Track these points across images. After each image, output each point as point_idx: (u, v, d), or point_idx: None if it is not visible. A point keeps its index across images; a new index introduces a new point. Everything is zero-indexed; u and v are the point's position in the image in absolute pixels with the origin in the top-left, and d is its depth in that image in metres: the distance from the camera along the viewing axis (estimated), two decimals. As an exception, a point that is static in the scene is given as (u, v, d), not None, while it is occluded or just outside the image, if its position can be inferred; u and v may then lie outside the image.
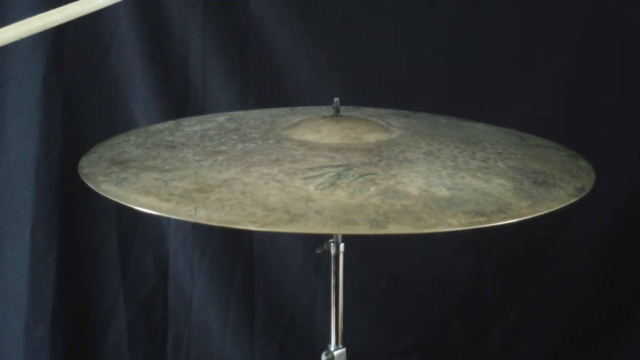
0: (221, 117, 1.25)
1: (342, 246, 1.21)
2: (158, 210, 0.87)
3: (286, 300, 1.93)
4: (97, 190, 0.95)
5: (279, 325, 1.93)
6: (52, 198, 1.78)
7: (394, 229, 0.82)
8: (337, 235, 1.20)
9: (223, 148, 1.05)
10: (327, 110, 1.20)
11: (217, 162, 0.98)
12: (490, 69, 1.84)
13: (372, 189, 0.89)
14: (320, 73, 1.83)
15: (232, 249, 1.89)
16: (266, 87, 1.84)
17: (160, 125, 1.23)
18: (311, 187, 0.89)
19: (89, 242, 1.86)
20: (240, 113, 1.33)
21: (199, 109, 1.82)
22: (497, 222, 0.86)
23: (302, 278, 1.91)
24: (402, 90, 1.83)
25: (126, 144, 1.11)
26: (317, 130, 1.09)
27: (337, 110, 1.14)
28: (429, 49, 1.84)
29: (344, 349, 1.23)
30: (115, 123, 1.80)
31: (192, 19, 1.80)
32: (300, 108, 1.33)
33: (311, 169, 0.94)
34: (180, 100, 1.83)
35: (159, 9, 1.79)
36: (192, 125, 1.20)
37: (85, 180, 0.99)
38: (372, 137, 1.08)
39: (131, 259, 1.88)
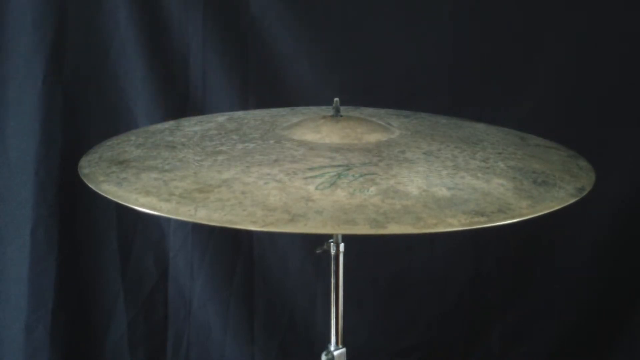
0: (221, 117, 1.25)
1: (342, 246, 1.21)
2: (158, 210, 0.87)
3: (286, 301, 1.93)
4: (97, 190, 0.95)
5: (279, 325, 1.93)
6: (52, 198, 1.78)
7: (394, 229, 0.82)
8: (337, 235, 1.20)
9: (223, 148, 1.05)
10: (327, 110, 1.20)
11: (217, 162, 0.98)
12: (490, 69, 1.84)
13: (372, 189, 0.89)
14: (320, 73, 1.83)
15: (232, 249, 1.89)
16: (266, 87, 1.84)
17: (160, 125, 1.23)
18: (311, 187, 0.89)
19: (89, 242, 1.86)
20: (240, 113, 1.33)
21: (199, 109, 1.82)
22: (497, 222, 0.86)
23: (302, 278, 1.91)
24: (402, 90, 1.83)
25: (126, 144, 1.11)
26: (317, 130, 1.09)
27: (337, 110, 1.14)
28: (429, 49, 1.84)
29: (344, 349, 1.23)
30: (116, 123, 1.80)
31: (192, 19, 1.80)
32: (300, 108, 1.33)
33: (311, 169, 0.94)
34: (180, 100, 1.83)
35: (159, 9, 1.79)
36: (192, 125, 1.20)
37: (85, 180, 0.99)
38: (372, 137, 1.08)
39: (131, 259, 1.88)
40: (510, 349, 1.97)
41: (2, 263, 1.81)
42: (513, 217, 0.87)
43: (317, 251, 1.22)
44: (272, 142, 1.07)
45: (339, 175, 0.92)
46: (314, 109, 1.32)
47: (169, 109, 1.80)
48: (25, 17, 1.72)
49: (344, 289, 1.23)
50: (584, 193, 0.98)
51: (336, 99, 1.15)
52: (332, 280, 1.22)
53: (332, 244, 1.21)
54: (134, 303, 1.89)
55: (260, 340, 1.92)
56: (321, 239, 1.22)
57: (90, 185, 0.97)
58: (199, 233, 1.86)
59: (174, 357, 1.92)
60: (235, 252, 1.89)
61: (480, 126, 1.24)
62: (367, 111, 1.32)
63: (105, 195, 0.93)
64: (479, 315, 1.96)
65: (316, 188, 0.89)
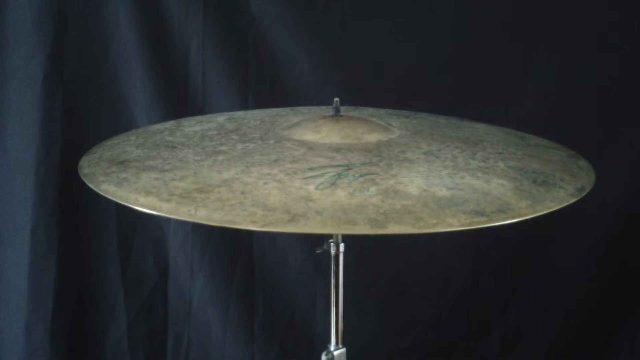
0: (221, 117, 1.25)
1: (342, 246, 1.21)
2: (158, 210, 0.87)
3: (286, 300, 1.93)
4: (97, 190, 0.95)
5: (279, 325, 1.93)
6: (52, 198, 1.78)
7: (394, 229, 0.82)
8: (337, 235, 1.20)
9: (223, 148, 1.05)
10: (327, 110, 1.20)
11: (217, 162, 0.98)
12: (490, 69, 1.84)
13: (372, 189, 0.89)
14: (320, 73, 1.83)
15: (232, 249, 1.89)
16: (266, 87, 1.84)
17: (160, 125, 1.23)
18: (311, 187, 0.89)
19: (89, 242, 1.86)
20: (240, 113, 1.33)
21: (199, 109, 1.82)
22: (497, 222, 0.86)
23: (302, 278, 1.91)
24: (402, 90, 1.83)
25: (126, 144, 1.11)
26: (317, 130, 1.09)
27: (337, 110, 1.14)
28: (429, 49, 1.84)
29: (344, 349, 1.23)
30: (115, 123, 1.80)
31: (192, 19, 1.80)
32: (300, 108, 1.33)
33: (311, 169, 0.94)
34: (180, 100, 1.83)
35: (159, 9, 1.79)
36: (192, 125, 1.20)
37: (85, 180, 0.99)
38: (372, 137, 1.08)
39: (131, 259, 1.88)
40: (510, 349, 1.97)
41: (2, 263, 1.81)
42: (513, 217, 0.87)
43: (317, 251, 1.22)
44: (272, 142, 1.07)
45: (339, 175, 0.92)
46: (314, 109, 1.32)
47: (169, 109, 1.80)
48: (25, 17, 1.72)
49: (344, 289, 1.23)
50: (584, 193, 0.98)
51: (336, 99, 1.15)
52: (332, 280, 1.22)
53: (332, 244, 1.21)
54: (134, 303, 1.89)
55: (260, 340, 1.92)
56: (321, 239, 1.23)
57: (90, 185, 0.97)
58: (199, 233, 1.86)
59: (174, 357, 1.92)
60: (235, 252, 1.89)
61: (480, 126, 1.24)
62: (367, 111, 1.32)
63: (105, 195, 0.93)
64: (479, 315, 1.96)
65: (316, 188, 0.89)
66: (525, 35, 1.83)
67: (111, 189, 0.94)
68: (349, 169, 0.94)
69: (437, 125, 1.22)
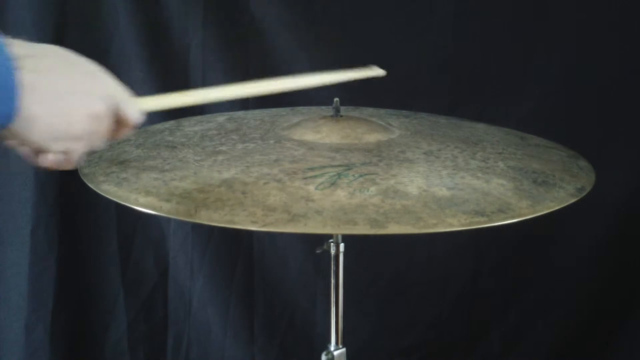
0: (221, 117, 1.25)
1: (342, 246, 1.21)
2: (158, 210, 0.87)
3: (286, 301, 1.93)
4: (97, 190, 0.95)
5: (279, 325, 1.93)
6: (52, 198, 1.78)
7: (394, 229, 0.82)
8: (337, 235, 1.20)
9: (223, 148, 1.05)
10: (327, 110, 1.20)
11: (217, 162, 0.98)
12: (490, 69, 1.84)
13: (372, 189, 0.89)
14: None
15: (232, 249, 1.89)
16: (266, 87, 1.84)
17: (160, 125, 1.23)
18: (311, 187, 0.89)
19: (89, 242, 1.86)
20: (240, 113, 1.33)
21: (199, 109, 1.81)
22: (497, 222, 0.86)
23: (302, 278, 1.91)
24: (402, 90, 1.83)
25: (126, 144, 1.11)
26: (317, 130, 1.09)
27: (337, 110, 1.14)
28: (429, 49, 1.84)
29: (344, 349, 1.23)
30: (115, 123, 1.79)
31: (192, 19, 1.79)
32: (300, 108, 1.33)
33: (311, 169, 0.94)
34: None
35: (159, 8, 1.79)
36: (192, 125, 1.20)
37: (85, 180, 0.99)
38: (372, 137, 1.08)
39: (131, 259, 1.88)
40: (510, 349, 1.97)
41: (2, 263, 1.81)
42: (513, 217, 0.87)
43: (317, 251, 1.22)
44: (272, 142, 1.07)
45: (339, 175, 0.92)
46: (314, 109, 1.32)
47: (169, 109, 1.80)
48: (25, 17, 1.72)
49: (344, 289, 1.23)
50: (584, 193, 0.98)
51: (336, 99, 1.15)
52: (332, 280, 1.22)
53: (332, 244, 1.21)
54: (134, 303, 1.89)
55: (260, 340, 1.92)
56: (321, 239, 1.22)
57: (90, 185, 0.97)
58: (199, 233, 1.86)
59: (174, 357, 1.92)
60: (235, 252, 1.89)
61: (480, 126, 1.24)
62: (367, 111, 1.32)
63: (105, 195, 0.93)
64: (479, 315, 1.96)
65: (316, 188, 0.89)
66: (525, 35, 1.83)
67: (111, 189, 0.94)
68: (349, 169, 0.94)
69: (437, 125, 1.22)
